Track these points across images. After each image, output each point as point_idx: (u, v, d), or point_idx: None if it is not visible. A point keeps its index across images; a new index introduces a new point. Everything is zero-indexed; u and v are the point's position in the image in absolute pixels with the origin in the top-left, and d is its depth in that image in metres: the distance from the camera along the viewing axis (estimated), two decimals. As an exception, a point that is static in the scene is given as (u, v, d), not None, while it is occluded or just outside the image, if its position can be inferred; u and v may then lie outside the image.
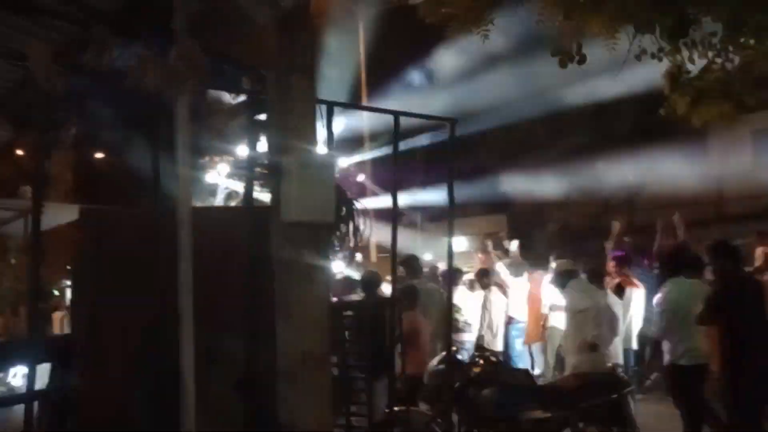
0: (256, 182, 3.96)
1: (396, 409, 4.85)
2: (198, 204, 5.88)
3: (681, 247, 8.33)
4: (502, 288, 9.71)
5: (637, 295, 8.48)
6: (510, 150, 21.63)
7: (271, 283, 3.56)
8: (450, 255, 5.63)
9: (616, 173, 23.98)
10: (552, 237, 21.96)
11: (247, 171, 3.90)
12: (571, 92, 20.23)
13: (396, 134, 4.76)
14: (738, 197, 22.59)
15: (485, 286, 9.46)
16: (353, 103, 13.56)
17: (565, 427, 5.42)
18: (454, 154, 5.32)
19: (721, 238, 6.77)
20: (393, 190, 5.12)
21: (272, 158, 3.70)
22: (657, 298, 6.36)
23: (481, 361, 5.58)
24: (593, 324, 6.40)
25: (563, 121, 20.58)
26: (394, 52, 18.05)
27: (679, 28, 5.16)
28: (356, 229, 4.28)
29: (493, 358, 5.67)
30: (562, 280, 7.01)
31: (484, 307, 9.23)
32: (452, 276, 6.47)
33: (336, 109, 4.41)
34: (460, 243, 25.01)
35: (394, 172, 5.33)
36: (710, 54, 5.27)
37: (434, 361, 5.68)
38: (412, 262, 8.11)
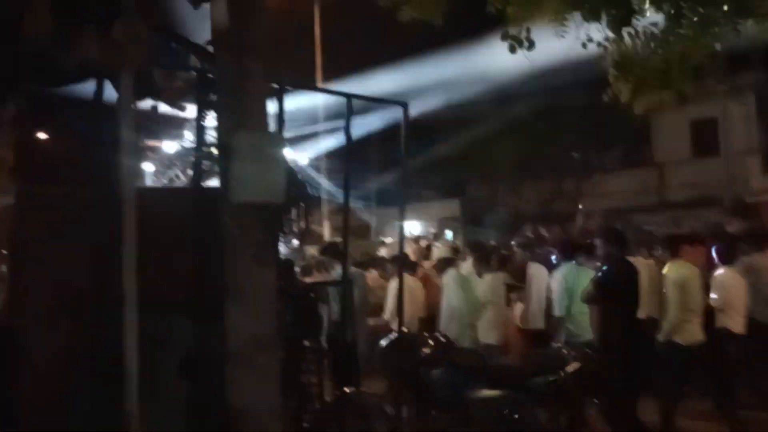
0: (205, 163, 3.91)
1: (346, 390, 4.88)
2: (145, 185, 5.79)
3: (575, 234, 8.82)
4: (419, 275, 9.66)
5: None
6: (465, 137, 21.77)
7: (220, 265, 3.54)
8: (401, 239, 5.69)
9: (566, 161, 24.46)
10: (503, 223, 22.25)
11: (196, 151, 3.85)
12: (524, 80, 20.56)
13: (348, 117, 4.76)
14: (678, 185, 23.31)
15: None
16: (305, 85, 13.44)
17: (515, 406, 5.53)
18: (406, 138, 5.34)
19: (609, 226, 7.27)
20: (345, 172, 5.13)
21: (222, 139, 3.67)
22: (552, 281, 6.74)
23: (432, 342, 5.65)
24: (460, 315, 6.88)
25: (517, 109, 20.80)
26: (351, 34, 17.94)
27: (624, 18, 5.29)
28: (307, 211, 4.27)
29: (443, 339, 5.73)
30: (441, 267, 7.26)
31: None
32: (403, 260, 6.55)
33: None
34: (415, 227, 25.24)
35: (347, 155, 5.34)
36: (652, 44, 5.42)
37: (384, 342, 5.72)
38: (332, 249, 8.09)
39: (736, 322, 7.03)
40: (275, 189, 3.69)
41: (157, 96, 4.34)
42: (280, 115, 4.26)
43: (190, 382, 3.52)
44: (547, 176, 24.18)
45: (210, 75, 3.80)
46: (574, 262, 6.91)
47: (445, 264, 7.80)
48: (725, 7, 5.19)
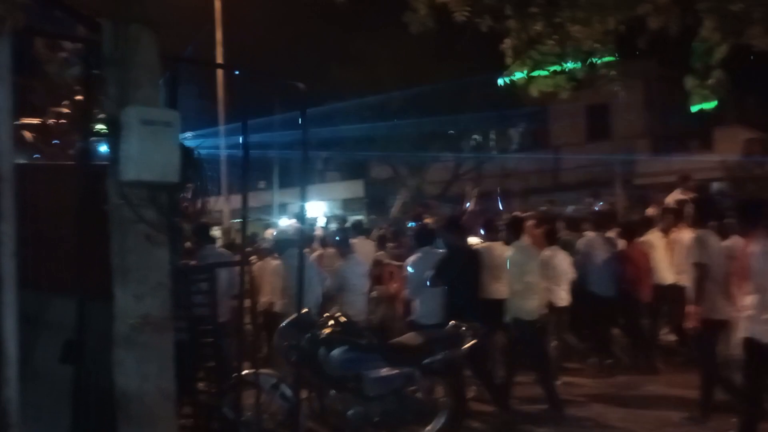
0: (93, 138, 3.73)
1: (244, 372, 4.82)
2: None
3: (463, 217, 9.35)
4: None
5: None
6: (367, 118, 21.80)
7: (107, 244, 3.41)
8: (302, 219, 5.66)
9: (465, 143, 25.01)
10: (405, 204, 22.52)
11: (83, 126, 3.66)
12: (424, 62, 20.78)
13: (246, 95, 4.66)
14: (572, 167, 24.31)
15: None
16: (200, 60, 13.04)
17: (410, 381, 5.64)
18: (305, 118, 5.27)
19: (450, 215, 7.77)
20: (244, 151, 5.02)
21: (110, 113, 3.51)
22: (407, 265, 7.18)
23: (331, 322, 5.65)
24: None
25: (417, 91, 20.98)
26: (255, 12, 17.53)
27: (523, 1, 5.43)
28: (204, 191, 4.15)
29: (343, 319, 5.75)
30: (279, 247, 7.43)
31: None
32: (306, 239, 6.52)
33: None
34: (319, 208, 25.18)
35: (245, 134, 5.23)
36: (547, 28, 5.58)
37: (284, 323, 5.68)
38: (201, 230, 7.86)
39: (559, 297, 7.83)
40: (169, 167, 3.57)
41: (39, 66, 4.10)
42: (175, 90, 4.11)
43: (74, 366, 3.38)
44: (449, 157, 24.62)
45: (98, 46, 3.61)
46: (428, 246, 7.10)
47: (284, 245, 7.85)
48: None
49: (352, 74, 21.31)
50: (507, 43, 5.89)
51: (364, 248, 8.91)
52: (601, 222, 9.32)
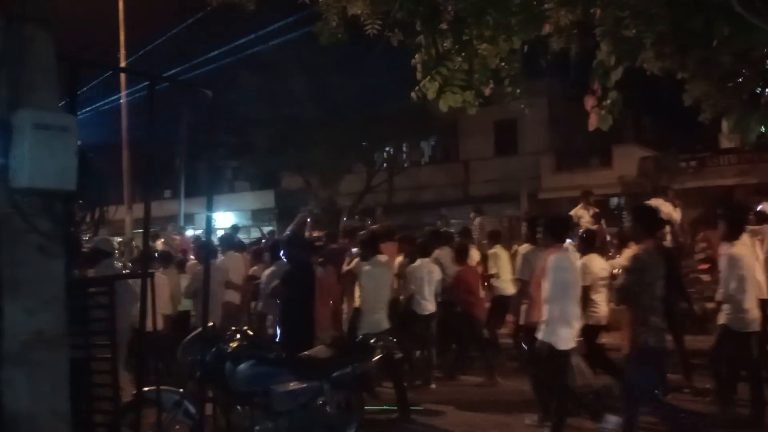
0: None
1: (144, 389, 4.62)
2: None
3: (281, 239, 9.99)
4: None
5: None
6: (280, 128, 21.58)
7: (-4, 255, 3.20)
8: (209, 230, 5.52)
9: (378, 154, 25.21)
10: (316, 217, 22.42)
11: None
12: (339, 74, 20.84)
13: (151, 100, 4.49)
14: (481, 181, 24.93)
15: None
16: (103, 63, 12.54)
17: (319, 395, 5.57)
18: (214, 125, 5.15)
19: (292, 235, 8.19)
20: (147, 160, 4.86)
21: (1, 116, 3.30)
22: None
23: (238, 336, 5.53)
24: None
25: (334, 102, 20.98)
26: (158, 14, 17.05)
27: (432, 17, 5.52)
28: (103, 200, 3.97)
29: (250, 332, 5.63)
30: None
31: None
32: (209, 251, 6.35)
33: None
34: (227, 219, 24.70)
35: (150, 142, 5.06)
36: (455, 45, 5.71)
37: (188, 338, 5.51)
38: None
39: (422, 306, 8.44)
40: (65, 174, 3.39)
41: None
42: (73, 94, 3.92)
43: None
44: (361, 169, 24.73)
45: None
46: (282, 260, 7.45)
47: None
48: (518, 17, 5.59)
49: (264, 82, 21.10)
50: (417, 59, 5.98)
51: (233, 262, 8.75)
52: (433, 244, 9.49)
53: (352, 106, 20.72)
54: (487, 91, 6.08)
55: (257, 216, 26.23)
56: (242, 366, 5.35)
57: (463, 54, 5.83)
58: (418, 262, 8.57)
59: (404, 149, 26.93)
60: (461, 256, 9.14)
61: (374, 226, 10.91)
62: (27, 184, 3.23)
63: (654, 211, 5.85)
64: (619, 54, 5.63)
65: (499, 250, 9.71)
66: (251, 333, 5.62)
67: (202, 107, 5.05)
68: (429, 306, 8.45)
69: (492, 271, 9.62)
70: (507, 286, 9.26)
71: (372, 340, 6.05)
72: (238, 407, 5.40)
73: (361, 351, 5.91)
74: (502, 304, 9.30)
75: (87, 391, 4.21)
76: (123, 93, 16.35)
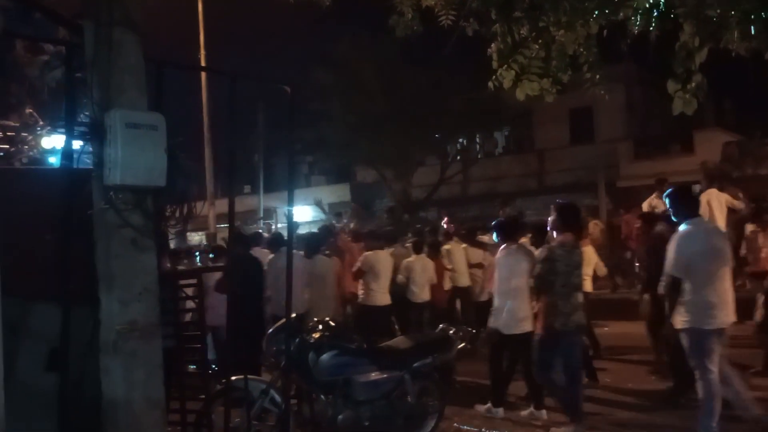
0: (76, 142, 3.67)
1: (233, 378, 4.77)
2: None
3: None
4: None
5: None
6: (352, 121, 21.73)
7: (92, 250, 3.35)
8: (290, 224, 5.61)
9: (451, 146, 25.04)
10: (392, 208, 22.50)
11: (65, 129, 3.60)
12: (411, 68, 20.80)
13: (232, 97, 4.60)
14: (557, 170, 24.42)
15: None
16: (186, 63, 12.91)
17: (400, 385, 5.61)
18: (293, 121, 5.24)
19: (238, 232, 8.32)
20: (230, 156, 4.98)
21: (94, 117, 3.46)
22: None
23: (320, 327, 5.62)
24: None
25: (404, 95, 20.95)
26: (236, 14, 17.44)
27: (507, 5, 5.44)
28: (191, 195, 4.11)
29: (332, 323, 5.72)
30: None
31: None
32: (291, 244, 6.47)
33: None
34: (304, 212, 25.08)
35: (231, 137, 5.19)
36: (532, 33, 5.60)
37: (272, 329, 5.64)
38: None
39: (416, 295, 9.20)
40: (155, 171, 3.52)
41: (24, 69, 4.03)
42: (159, 94, 4.06)
43: (60, 374, 3.31)
44: (434, 161, 24.62)
45: (79, 48, 3.55)
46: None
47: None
48: (596, 1, 5.44)
49: (337, 78, 21.29)
50: (493, 48, 5.91)
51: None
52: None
53: (423, 98, 20.65)
54: (565, 78, 5.94)
55: (333, 209, 26.51)
56: (325, 356, 5.44)
57: (539, 41, 5.72)
58: (413, 257, 9.42)
59: (477, 140, 26.63)
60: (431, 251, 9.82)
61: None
62: (120, 181, 3.37)
63: (574, 207, 6.43)
64: (703, 35, 5.41)
65: (452, 246, 10.42)
66: (333, 324, 5.69)
67: (280, 104, 5.15)
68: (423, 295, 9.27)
69: (448, 266, 10.19)
70: (462, 278, 10.21)
71: (452, 331, 6.04)
72: (321, 396, 5.49)
73: (441, 342, 5.91)
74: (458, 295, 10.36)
75: (179, 379, 4.38)
76: (204, 91, 16.82)
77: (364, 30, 19.42)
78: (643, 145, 23.60)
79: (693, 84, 5.65)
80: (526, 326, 6.43)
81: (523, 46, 5.70)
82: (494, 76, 5.84)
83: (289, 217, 5.32)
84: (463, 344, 5.89)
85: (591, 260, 8.06)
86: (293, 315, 5.44)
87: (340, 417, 5.40)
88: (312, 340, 5.48)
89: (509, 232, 6.85)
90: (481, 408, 6.73)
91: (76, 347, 3.39)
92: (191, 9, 17.53)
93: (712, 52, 5.67)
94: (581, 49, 6.02)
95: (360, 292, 8.73)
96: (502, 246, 6.78)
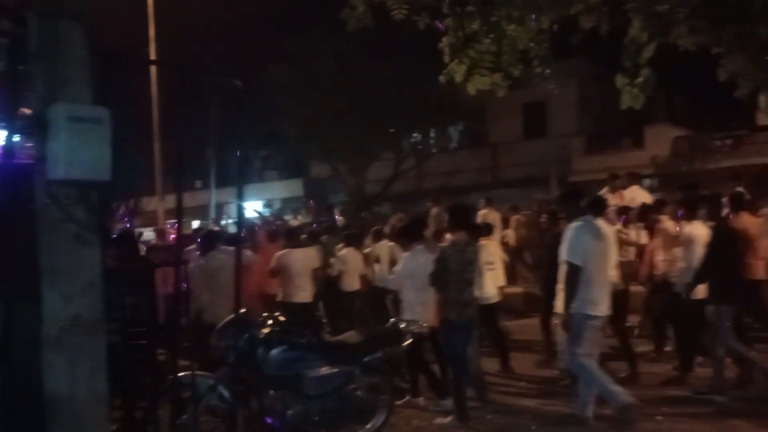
0: (18, 136, 3.59)
1: (180, 374, 4.72)
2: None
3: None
4: None
5: None
6: (307, 116, 21.62)
7: (33, 245, 3.29)
8: (240, 219, 5.59)
9: (405, 142, 25.17)
10: (346, 202, 22.49)
11: (7, 123, 3.52)
12: (367, 62, 20.80)
13: (183, 90, 4.56)
14: (511, 165, 24.75)
15: None
16: (135, 56, 12.61)
17: (351, 380, 5.63)
18: (244, 114, 5.20)
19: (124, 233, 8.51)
20: (179, 150, 4.94)
21: (37, 110, 3.39)
22: None
23: (270, 322, 5.60)
24: None
25: (359, 90, 20.94)
26: (188, 7, 17.16)
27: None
28: (137, 190, 4.06)
29: (282, 318, 5.70)
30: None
31: None
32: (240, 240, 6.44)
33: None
34: (258, 207, 24.89)
35: (179, 134, 5.13)
36: (483, 27, 5.67)
37: (221, 324, 5.59)
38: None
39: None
40: (99, 165, 3.47)
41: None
42: (106, 87, 3.98)
43: (1, 370, 3.25)
44: (389, 156, 24.69)
45: (23, 40, 3.47)
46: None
47: None
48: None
49: (292, 72, 21.15)
50: (444, 42, 5.96)
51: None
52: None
53: (377, 92, 20.68)
54: (516, 73, 6.03)
55: (287, 204, 26.37)
56: (274, 351, 5.41)
57: (491, 35, 5.80)
58: (345, 250, 9.59)
59: (432, 135, 26.80)
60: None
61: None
62: (63, 176, 3.32)
63: (464, 208, 6.92)
64: (652, 30, 5.54)
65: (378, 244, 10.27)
66: (283, 319, 5.67)
67: (232, 98, 5.11)
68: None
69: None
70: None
71: (402, 325, 6.08)
72: (271, 392, 5.47)
73: (392, 336, 5.95)
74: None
75: (124, 375, 4.32)
76: (154, 85, 16.49)
77: (319, 23, 19.34)
78: (595, 140, 24.05)
79: (641, 78, 5.79)
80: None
81: (475, 41, 5.77)
82: (446, 70, 5.90)
83: (240, 212, 5.29)
84: (413, 338, 5.94)
85: (496, 255, 8.54)
86: (242, 310, 5.41)
87: (289, 412, 5.39)
88: (261, 335, 5.45)
89: (411, 234, 7.16)
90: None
91: (19, 343, 3.33)
92: (141, 1, 17.17)
93: (663, 48, 5.82)
94: (532, 44, 6.13)
95: (278, 289, 8.79)
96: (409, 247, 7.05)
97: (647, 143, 22.36)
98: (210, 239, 7.68)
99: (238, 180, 5.15)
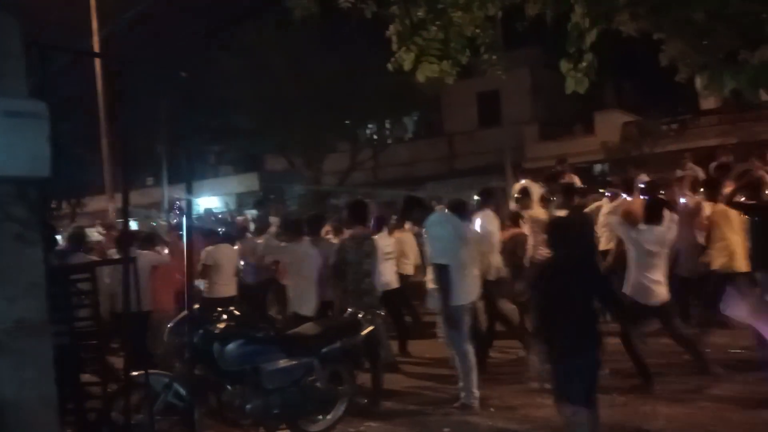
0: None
1: (133, 374, 4.62)
2: None
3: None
4: None
5: None
6: (260, 109, 21.38)
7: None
8: (189, 215, 5.48)
9: (361, 132, 25.11)
10: (302, 196, 22.36)
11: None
12: (319, 53, 20.65)
13: (122, 83, 4.44)
14: (467, 154, 24.91)
15: None
16: (71, 48, 12.16)
17: (310, 371, 5.60)
18: (190, 108, 5.10)
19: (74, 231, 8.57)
20: (122, 144, 4.82)
21: (-32, 105, 3.25)
22: None
23: (225, 317, 5.52)
24: None
25: (313, 81, 20.79)
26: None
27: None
28: (79, 187, 3.94)
29: (237, 313, 5.63)
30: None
31: None
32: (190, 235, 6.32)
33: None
34: (212, 203, 24.57)
35: (121, 128, 5.01)
36: (430, 14, 5.65)
37: (174, 321, 5.50)
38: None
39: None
40: (38, 161, 3.35)
41: None
42: (43, 80, 3.86)
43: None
44: (345, 148, 24.61)
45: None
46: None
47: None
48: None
49: (244, 64, 20.88)
50: (392, 29, 5.93)
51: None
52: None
53: (331, 84, 20.55)
54: (464, 60, 6.04)
55: (242, 199, 26.09)
56: (231, 346, 5.35)
57: (437, 23, 5.78)
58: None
59: (387, 126, 26.79)
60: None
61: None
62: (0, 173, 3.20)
63: (362, 204, 7.28)
64: (594, 16, 5.60)
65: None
66: (238, 313, 5.61)
67: (180, 91, 5.00)
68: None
69: None
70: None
71: (360, 315, 6.06)
72: (229, 387, 5.41)
73: (350, 326, 5.93)
74: None
75: (74, 377, 4.22)
76: (99, 79, 16.07)
77: (269, 14, 19.12)
78: (547, 127, 24.36)
79: (584, 63, 5.85)
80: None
81: (422, 28, 5.75)
82: (394, 58, 5.88)
83: (188, 207, 5.19)
84: (371, 327, 5.93)
85: (412, 247, 9.51)
86: (196, 306, 5.33)
87: (248, 406, 5.33)
88: (217, 331, 5.38)
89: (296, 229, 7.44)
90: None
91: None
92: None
93: (608, 34, 5.89)
94: (479, 31, 6.13)
95: (204, 286, 8.83)
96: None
97: (597, 129, 22.73)
98: (124, 240, 7.61)
99: (186, 175, 5.06)
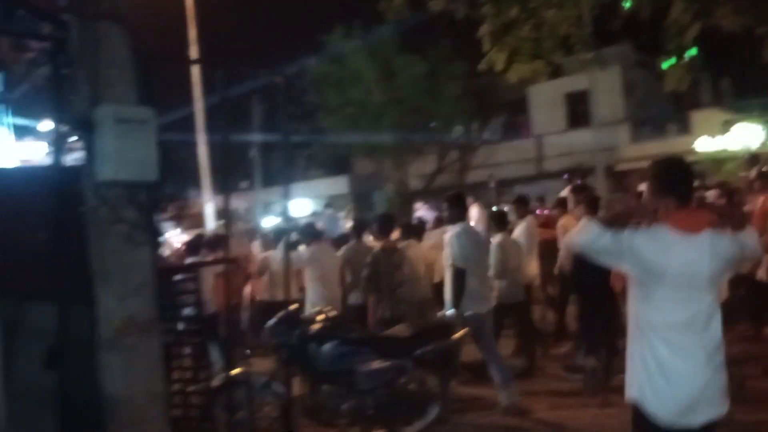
0: (64, 139, 3.64)
1: (233, 372, 4.76)
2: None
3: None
4: None
5: None
6: (349, 113, 21.68)
7: (85, 247, 3.33)
8: (286, 217, 5.60)
9: (448, 135, 24.98)
10: (390, 198, 22.45)
11: (54, 127, 3.58)
12: (407, 56, 20.76)
13: (224, 88, 4.58)
14: (555, 155, 24.38)
15: None
16: (175, 56, 12.69)
17: (402, 373, 5.59)
18: (285, 110, 5.21)
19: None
20: (223, 148, 4.96)
21: (82, 112, 3.43)
22: None
23: (321, 317, 5.60)
24: None
25: (400, 84, 20.91)
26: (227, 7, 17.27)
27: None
28: (183, 189, 4.09)
29: (333, 313, 5.69)
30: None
31: None
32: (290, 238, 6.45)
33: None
34: (304, 205, 25.05)
35: (224, 130, 5.16)
36: (522, 14, 5.57)
37: (273, 320, 5.61)
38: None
39: None
40: (147, 165, 3.50)
41: (8, 66, 4.00)
42: (149, 88, 4.02)
43: (59, 372, 3.30)
44: (432, 150, 24.57)
45: (66, 44, 3.51)
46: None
47: None
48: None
49: (333, 69, 21.22)
50: (484, 30, 5.88)
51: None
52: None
53: (417, 87, 20.60)
54: (557, 59, 5.93)
55: (333, 202, 26.49)
56: (326, 346, 5.41)
57: (530, 22, 5.70)
58: None
59: (473, 128, 26.55)
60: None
61: None
62: (111, 177, 3.35)
63: (389, 216, 7.50)
64: (694, 11, 5.39)
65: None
66: (334, 314, 5.67)
67: (276, 97, 5.13)
68: None
69: None
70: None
71: (454, 319, 6.02)
72: (324, 387, 5.47)
73: (443, 328, 5.89)
74: None
75: (179, 373, 4.36)
76: (198, 87, 16.61)
77: (357, 19, 19.41)
78: (640, 127, 23.56)
79: (685, 59, 5.64)
80: None
81: (514, 28, 5.68)
82: (485, 59, 5.82)
83: (285, 210, 5.31)
84: (464, 330, 5.87)
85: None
86: (293, 306, 5.43)
87: (343, 406, 5.38)
88: (313, 331, 5.45)
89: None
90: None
91: (74, 345, 3.37)
92: (182, 4, 17.33)
93: (706, 30, 5.65)
94: (572, 29, 6.01)
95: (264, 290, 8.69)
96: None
97: (693, 128, 21.79)
98: (193, 245, 7.75)
99: (285, 177, 5.17)
